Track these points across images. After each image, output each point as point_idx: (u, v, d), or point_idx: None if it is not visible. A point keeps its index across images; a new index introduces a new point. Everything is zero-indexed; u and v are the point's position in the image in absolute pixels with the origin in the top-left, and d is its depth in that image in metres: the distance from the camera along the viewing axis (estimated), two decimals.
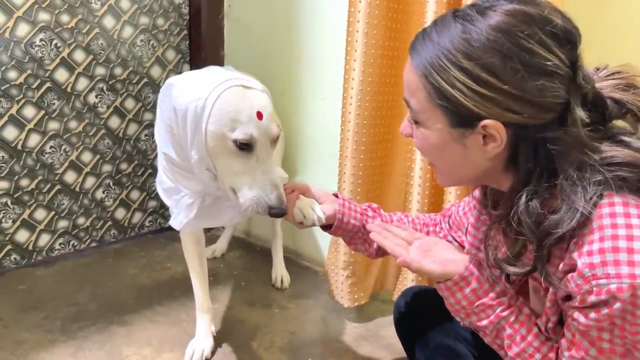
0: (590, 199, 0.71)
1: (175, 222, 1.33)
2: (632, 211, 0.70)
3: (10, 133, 1.82)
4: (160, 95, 1.24)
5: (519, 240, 0.80)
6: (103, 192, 2.10)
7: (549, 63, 0.72)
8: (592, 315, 0.71)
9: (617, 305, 0.68)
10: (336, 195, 1.17)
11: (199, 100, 1.08)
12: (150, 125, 2.16)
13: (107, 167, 2.09)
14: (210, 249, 2.11)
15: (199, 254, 1.52)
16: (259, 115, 1.09)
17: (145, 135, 2.16)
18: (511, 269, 0.82)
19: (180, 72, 2.19)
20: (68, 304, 1.73)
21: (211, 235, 2.26)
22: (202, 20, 2.17)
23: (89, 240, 2.11)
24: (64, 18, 1.86)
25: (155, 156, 2.20)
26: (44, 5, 1.80)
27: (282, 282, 1.91)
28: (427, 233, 1.17)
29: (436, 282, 0.92)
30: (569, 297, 0.76)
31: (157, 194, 2.24)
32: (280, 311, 1.75)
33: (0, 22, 1.73)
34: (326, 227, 1.16)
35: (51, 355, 1.48)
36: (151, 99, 2.14)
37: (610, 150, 0.74)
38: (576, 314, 0.74)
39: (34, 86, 1.84)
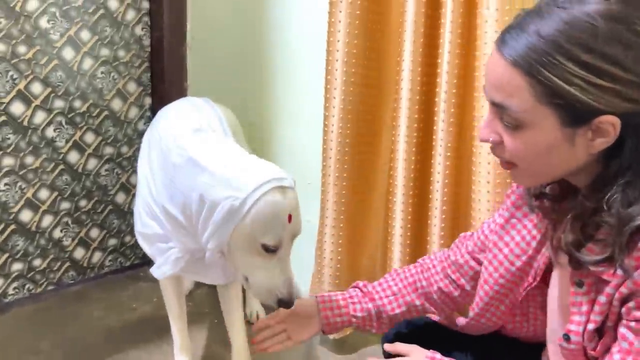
0: None
1: (158, 272, 1.29)
2: None
3: None
4: (161, 143, 1.26)
5: (585, 231, 0.78)
6: (61, 231, 1.98)
7: None
8: None
9: None
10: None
11: (236, 200, 1.06)
12: (111, 160, 2.08)
13: (65, 205, 1.98)
14: None
15: (179, 294, 1.48)
16: (290, 219, 1.10)
17: (106, 170, 2.07)
18: (587, 256, 0.78)
19: (142, 105, 2.14)
20: (29, 352, 1.61)
21: None
22: (164, 52, 2.13)
23: (45, 283, 1.97)
24: (21, 49, 1.78)
25: (116, 192, 2.11)
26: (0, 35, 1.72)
27: (257, 317, 1.86)
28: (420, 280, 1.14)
29: None
30: (626, 300, 0.75)
31: (117, 232, 2.14)
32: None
33: None
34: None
35: None
36: (111, 132, 2.06)
37: None
38: None
39: None
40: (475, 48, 1.36)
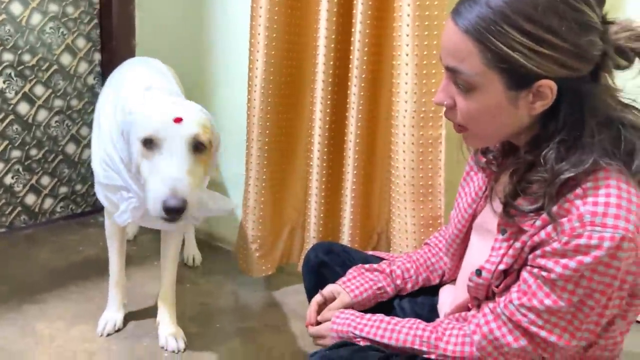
0: (603, 155, 0.80)
1: (121, 219, 1.37)
2: (632, 189, 0.81)
3: None
4: (119, 99, 1.38)
5: (521, 184, 0.87)
6: (12, 177, 2.11)
7: (593, 20, 0.79)
8: (571, 264, 0.79)
9: (598, 252, 0.76)
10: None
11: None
12: (61, 112, 2.19)
13: (16, 153, 2.10)
14: None
15: (122, 234, 1.59)
16: (178, 121, 1.17)
17: (56, 121, 2.18)
18: (521, 206, 0.86)
19: (92, 60, 2.24)
20: None
21: None
22: (113, 10, 2.22)
23: None
24: None
25: (67, 143, 2.23)
26: None
27: (193, 260, 2.02)
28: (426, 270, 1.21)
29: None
30: (534, 248, 0.84)
31: (68, 180, 2.27)
32: (191, 286, 1.87)
33: None
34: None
35: None
36: (61, 85, 2.16)
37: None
38: (550, 264, 0.81)
39: None
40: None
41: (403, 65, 1.44)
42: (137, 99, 1.34)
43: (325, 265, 1.26)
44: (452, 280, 1.16)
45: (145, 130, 1.18)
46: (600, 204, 0.78)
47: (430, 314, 1.15)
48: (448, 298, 1.13)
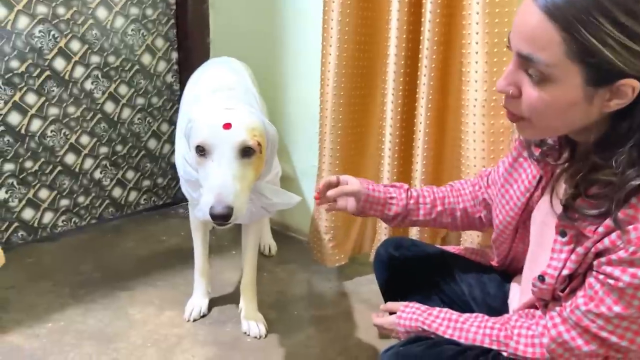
0: None
1: (200, 214, 1.40)
2: None
3: (14, 118, 1.97)
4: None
5: (582, 185, 0.83)
6: (100, 172, 2.26)
7: None
8: (639, 273, 0.77)
9: None
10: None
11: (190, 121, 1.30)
12: (143, 109, 2.32)
13: (103, 149, 2.24)
14: None
15: (205, 225, 1.67)
16: (228, 127, 1.20)
17: (139, 119, 2.31)
18: (584, 209, 0.82)
19: (170, 59, 2.35)
20: (74, 273, 1.90)
21: None
22: (188, 9, 2.31)
23: (89, 218, 2.26)
24: (60, 10, 2.00)
25: (148, 138, 2.36)
26: None
27: (269, 250, 2.09)
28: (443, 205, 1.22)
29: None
30: (599, 255, 0.82)
31: (150, 174, 2.41)
32: (268, 275, 1.94)
33: (2, 15, 1.86)
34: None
35: (62, 315, 1.65)
36: (142, 84, 2.29)
37: None
38: (617, 272, 0.79)
39: (35, 74, 1.98)
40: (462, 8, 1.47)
41: (473, 54, 1.43)
42: (199, 104, 1.39)
43: (395, 260, 1.28)
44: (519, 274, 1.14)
45: (197, 138, 1.23)
46: None
47: (503, 307, 1.15)
48: (516, 294, 1.13)
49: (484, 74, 1.42)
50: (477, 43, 1.41)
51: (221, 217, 1.14)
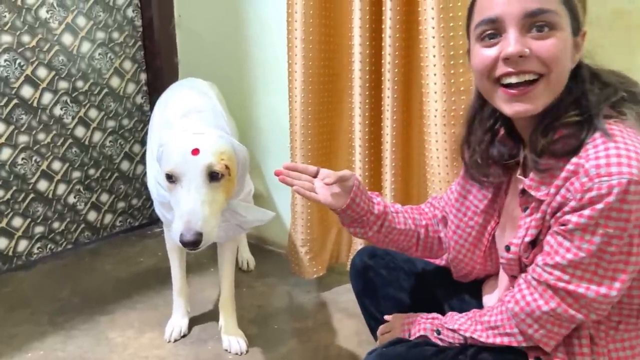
0: (603, 116, 0.87)
1: (173, 236, 1.40)
2: (630, 135, 0.86)
3: None
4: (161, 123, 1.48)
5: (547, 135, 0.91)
6: (74, 197, 2.25)
7: None
8: (585, 212, 0.82)
9: (609, 199, 0.80)
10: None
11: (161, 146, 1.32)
12: (114, 132, 2.32)
13: (76, 174, 2.24)
14: None
15: (181, 248, 1.67)
16: (196, 152, 1.22)
17: (110, 141, 2.32)
18: (556, 152, 0.89)
19: (138, 81, 2.36)
20: (52, 300, 1.89)
21: None
22: (155, 31, 2.33)
23: (64, 243, 2.26)
24: (25, 38, 2.00)
25: (121, 160, 2.37)
26: (5, 28, 1.94)
27: (247, 264, 2.12)
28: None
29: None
30: (555, 213, 0.88)
31: (125, 196, 2.41)
32: (247, 290, 1.96)
33: None
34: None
35: (42, 344, 1.65)
36: (112, 107, 2.30)
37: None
38: (567, 217, 0.85)
39: (2, 103, 1.98)
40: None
41: (431, 66, 1.48)
42: (169, 129, 1.40)
43: (370, 269, 1.31)
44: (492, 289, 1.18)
45: (167, 165, 1.25)
46: (601, 157, 0.83)
47: (478, 307, 1.19)
48: (491, 299, 1.17)
49: (442, 85, 1.47)
50: (434, 56, 1.46)
51: (191, 244, 1.18)
